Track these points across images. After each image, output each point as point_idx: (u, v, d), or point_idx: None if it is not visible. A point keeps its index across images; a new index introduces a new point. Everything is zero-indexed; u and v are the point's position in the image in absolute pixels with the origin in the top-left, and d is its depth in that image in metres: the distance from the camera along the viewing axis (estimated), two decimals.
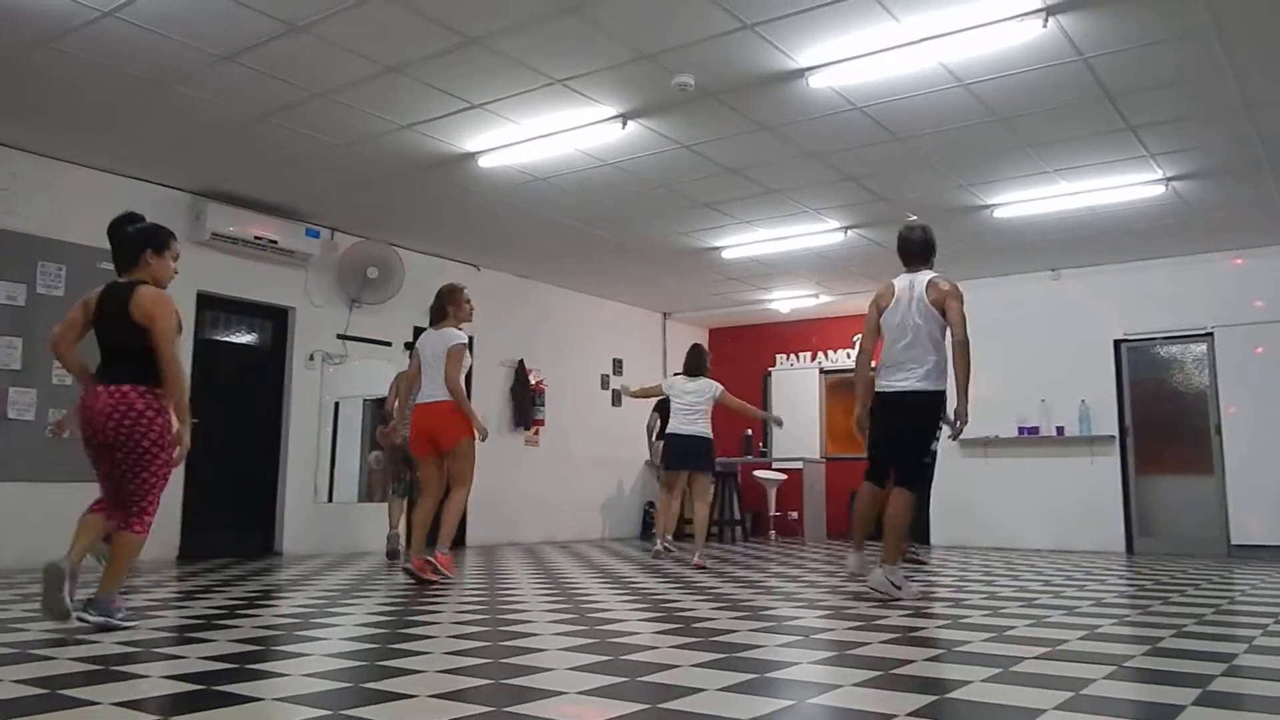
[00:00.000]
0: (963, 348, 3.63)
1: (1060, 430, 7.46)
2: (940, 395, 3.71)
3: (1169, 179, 5.49)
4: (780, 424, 7.04)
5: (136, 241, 3.05)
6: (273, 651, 2.51)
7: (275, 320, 6.48)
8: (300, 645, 2.61)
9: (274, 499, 6.31)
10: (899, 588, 3.62)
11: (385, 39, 3.89)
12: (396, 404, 5.71)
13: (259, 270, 6.21)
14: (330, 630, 2.88)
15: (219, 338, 6.23)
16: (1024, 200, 5.92)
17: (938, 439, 3.71)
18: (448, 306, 4.52)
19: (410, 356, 4.71)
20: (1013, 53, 3.92)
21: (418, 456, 4.55)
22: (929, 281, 3.75)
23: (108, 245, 3.13)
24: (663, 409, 6.86)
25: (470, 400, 4.44)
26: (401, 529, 5.68)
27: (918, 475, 3.68)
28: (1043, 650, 2.54)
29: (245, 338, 6.42)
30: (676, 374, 5.96)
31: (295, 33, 3.83)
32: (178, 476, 5.60)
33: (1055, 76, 4.14)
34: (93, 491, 3.02)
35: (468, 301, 4.58)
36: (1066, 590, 4.20)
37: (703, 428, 5.51)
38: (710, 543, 8.18)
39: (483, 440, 4.44)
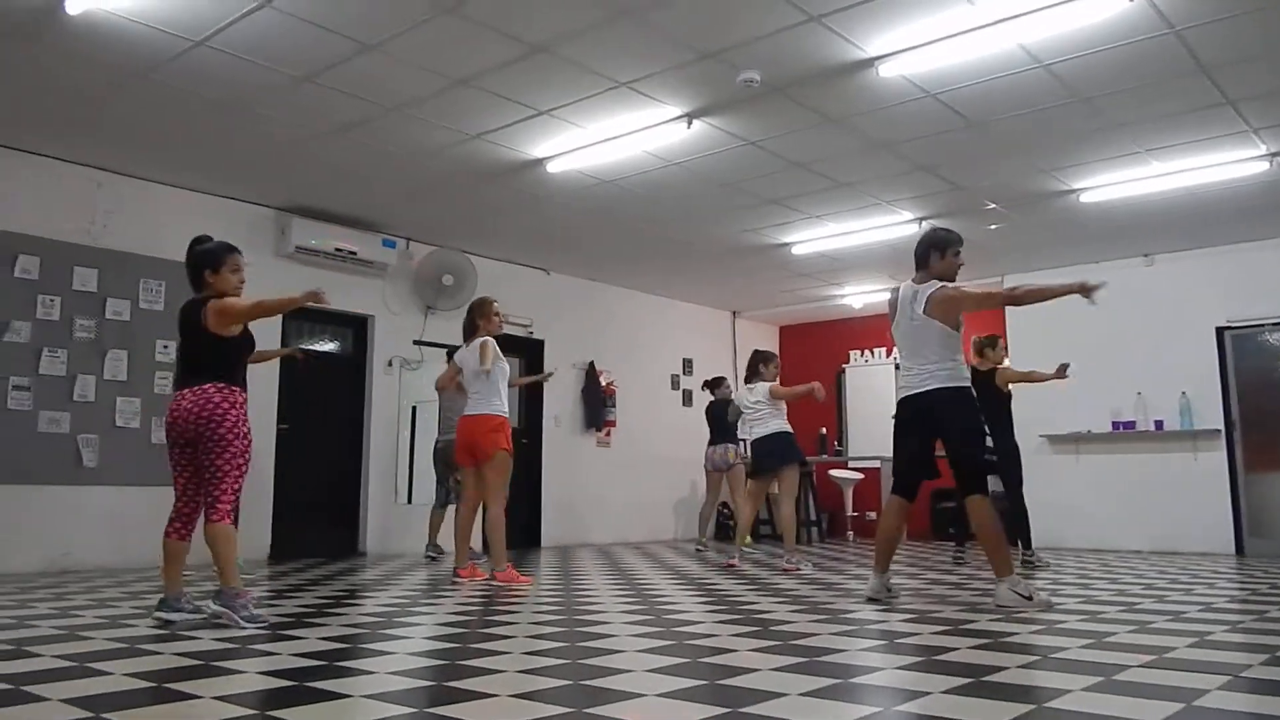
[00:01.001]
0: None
1: (1159, 424, 7.03)
2: (966, 389, 3.46)
3: (1274, 154, 5.11)
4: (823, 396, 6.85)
5: (195, 267, 3.21)
6: (359, 649, 2.59)
7: (356, 328, 6.73)
8: (385, 644, 2.68)
9: (357, 501, 6.56)
10: (1029, 597, 3.36)
11: (452, 52, 3.98)
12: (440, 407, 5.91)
13: (340, 280, 6.44)
14: (413, 629, 2.96)
15: (304, 346, 6.48)
16: (1113, 183, 5.61)
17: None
18: (478, 320, 4.60)
19: (448, 366, 4.84)
20: (1096, 29, 3.72)
21: (461, 465, 4.70)
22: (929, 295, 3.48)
23: None
24: (709, 417, 6.86)
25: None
26: (442, 540, 5.84)
27: (982, 477, 3.44)
28: (1148, 658, 2.39)
29: (328, 345, 6.68)
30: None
31: (368, 51, 3.96)
32: (264, 478, 5.91)
33: (1144, 52, 3.90)
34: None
35: (497, 314, 4.63)
36: (1171, 594, 3.95)
37: (773, 426, 5.52)
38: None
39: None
